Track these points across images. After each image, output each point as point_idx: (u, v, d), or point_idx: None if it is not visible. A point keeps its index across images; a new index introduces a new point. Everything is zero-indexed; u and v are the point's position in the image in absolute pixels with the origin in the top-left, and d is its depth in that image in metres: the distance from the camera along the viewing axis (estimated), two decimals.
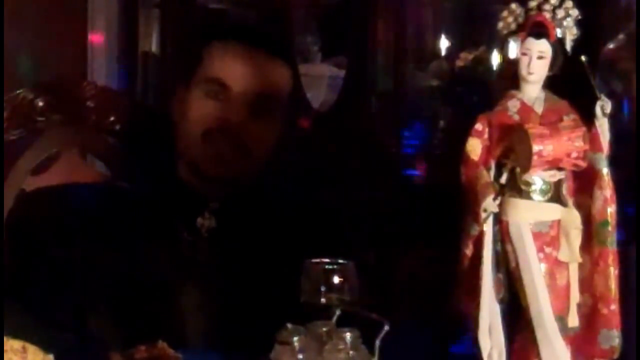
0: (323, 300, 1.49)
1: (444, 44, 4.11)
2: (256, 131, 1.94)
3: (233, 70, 1.95)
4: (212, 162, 1.93)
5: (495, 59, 3.76)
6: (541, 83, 1.52)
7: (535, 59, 1.50)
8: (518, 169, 1.49)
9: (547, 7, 1.51)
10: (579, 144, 1.47)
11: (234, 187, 1.96)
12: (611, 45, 2.79)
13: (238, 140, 1.92)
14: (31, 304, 1.81)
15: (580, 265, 1.50)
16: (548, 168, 1.48)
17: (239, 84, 1.94)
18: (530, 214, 1.49)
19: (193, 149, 1.95)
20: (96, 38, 3.50)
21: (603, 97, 1.48)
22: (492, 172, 1.51)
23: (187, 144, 1.96)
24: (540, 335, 1.47)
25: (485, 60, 3.86)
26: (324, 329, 1.45)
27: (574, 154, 1.47)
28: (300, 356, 1.43)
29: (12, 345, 1.41)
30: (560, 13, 1.50)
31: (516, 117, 1.51)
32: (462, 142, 1.53)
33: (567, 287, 1.49)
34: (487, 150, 1.52)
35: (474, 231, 1.51)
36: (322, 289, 1.49)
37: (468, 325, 1.52)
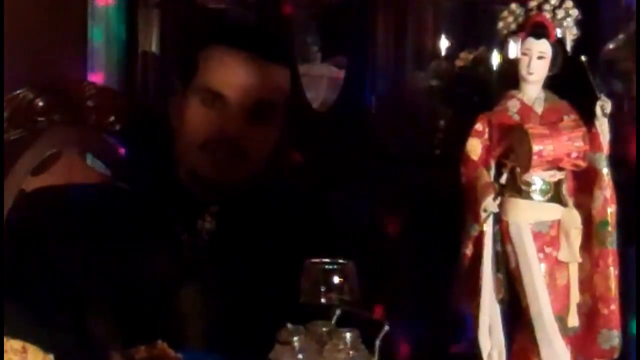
0: (323, 300, 1.49)
1: (444, 44, 4.10)
2: (254, 138, 1.93)
3: (229, 79, 1.93)
4: (210, 169, 1.93)
5: (495, 59, 3.75)
6: (541, 83, 1.52)
7: (535, 59, 1.50)
8: (518, 169, 1.49)
9: (547, 7, 1.51)
10: (579, 144, 1.47)
11: (233, 191, 1.96)
12: (611, 45, 2.79)
13: (236, 148, 1.92)
14: (31, 304, 1.81)
15: (580, 266, 1.50)
16: (548, 168, 1.48)
17: (235, 93, 1.92)
18: (530, 214, 1.49)
19: (191, 156, 1.94)
20: (96, 37, 3.49)
21: (603, 97, 1.48)
22: (492, 172, 1.51)
23: (184, 151, 1.96)
24: (540, 335, 1.47)
25: (485, 60, 3.84)
26: (324, 329, 1.45)
27: (574, 154, 1.47)
28: (300, 356, 1.43)
29: (12, 345, 1.41)
30: (560, 13, 1.50)
31: (516, 117, 1.51)
32: (462, 142, 1.53)
33: (567, 287, 1.49)
34: (487, 150, 1.52)
35: (474, 231, 1.51)
36: (322, 289, 1.49)
37: (468, 325, 1.52)
